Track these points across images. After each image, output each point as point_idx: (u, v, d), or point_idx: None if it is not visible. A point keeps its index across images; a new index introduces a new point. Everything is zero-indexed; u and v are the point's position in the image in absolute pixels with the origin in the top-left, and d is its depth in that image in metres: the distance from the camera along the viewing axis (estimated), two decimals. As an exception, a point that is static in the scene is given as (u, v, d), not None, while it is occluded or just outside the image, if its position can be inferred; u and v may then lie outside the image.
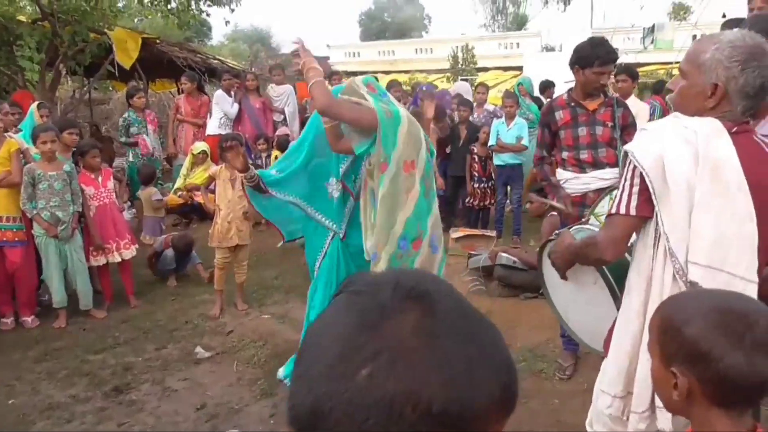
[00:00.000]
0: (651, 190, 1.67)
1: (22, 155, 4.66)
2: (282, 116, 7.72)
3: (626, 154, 1.75)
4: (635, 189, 1.71)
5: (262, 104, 7.65)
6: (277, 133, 7.31)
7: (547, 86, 8.83)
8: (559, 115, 3.57)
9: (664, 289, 1.69)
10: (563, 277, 2.13)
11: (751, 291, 1.63)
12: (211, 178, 5.00)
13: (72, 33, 7.33)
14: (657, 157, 1.66)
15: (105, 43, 7.80)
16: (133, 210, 6.50)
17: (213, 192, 5.09)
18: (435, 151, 3.07)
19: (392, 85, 7.90)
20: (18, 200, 4.57)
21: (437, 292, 0.60)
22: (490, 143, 6.58)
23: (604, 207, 3.03)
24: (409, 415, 0.53)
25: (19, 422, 3.34)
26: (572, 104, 3.55)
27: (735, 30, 1.81)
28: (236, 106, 7.43)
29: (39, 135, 4.57)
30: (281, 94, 7.79)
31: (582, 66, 3.43)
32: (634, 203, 1.71)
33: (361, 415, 0.53)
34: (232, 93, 7.51)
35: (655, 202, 1.67)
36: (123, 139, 7.04)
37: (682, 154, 1.65)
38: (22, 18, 7.69)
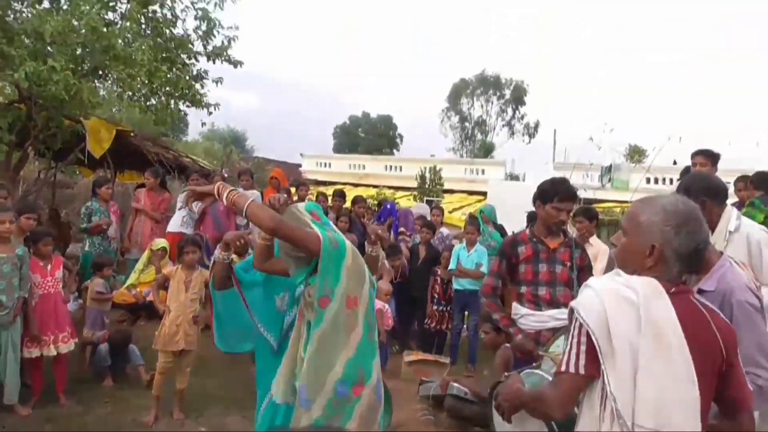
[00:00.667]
0: (597, 349, 1.68)
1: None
2: (245, 220, 7.73)
3: (572, 310, 1.78)
4: (582, 348, 1.72)
5: (227, 207, 7.64)
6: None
7: (532, 219, 8.88)
8: (522, 249, 3.68)
9: None
10: (507, 420, 2.11)
11: None
12: (165, 278, 4.90)
13: (47, 118, 7.41)
14: (600, 315, 1.69)
15: (78, 130, 7.88)
16: (80, 300, 6.26)
17: (166, 289, 4.97)
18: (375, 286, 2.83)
19: (356, 201, 8.11)
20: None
21: None
22: (450, 267, 6.70)
23: (558, 347, 3.07)
24: None
25: None
26: (534, 239, 3.67)
27: (670, 194, 1.93)
28: (200, 205, 7.43)
29: None
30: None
31: (543, 201, 3.60)
32: (582, 362, 1.72)
33: None
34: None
35: (601, 361, 1.68)
36: (83, 226, 6.92)
37: (625, 314, 1.69)
38: (-1, 99, 7.78)
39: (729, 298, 2.39)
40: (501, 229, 7.91)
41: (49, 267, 4.86)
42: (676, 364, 1.66)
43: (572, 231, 4.93)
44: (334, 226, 2.77)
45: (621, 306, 1.70)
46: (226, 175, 8.52)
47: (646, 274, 1.78)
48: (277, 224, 2.47)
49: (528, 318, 3.62)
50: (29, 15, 7.24)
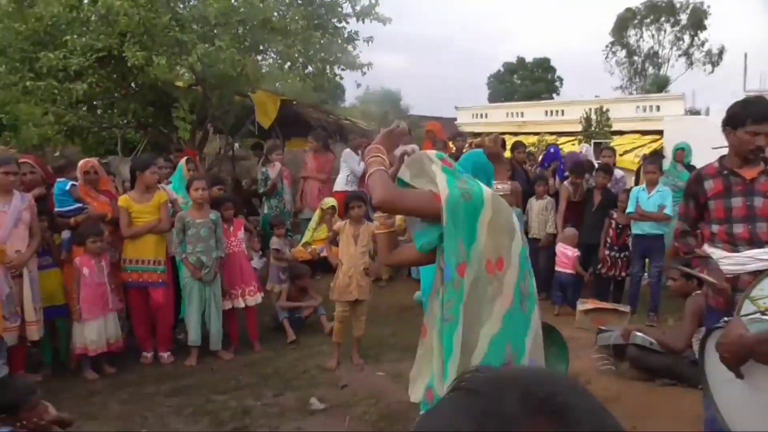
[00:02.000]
0: None
1: (170, 205, 5.14)
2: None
3: None
4: None
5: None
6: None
7: None
8: (709, 184, 3.23)
9: None
10: (738, 375, 1.83)
11: None
12: (335, 233, 5.16)
13: (219, 96, 8.10)
14: None
15: (247, 105, 8.52)
16: (264, 259, 6.85)
17: (337, 245, 5.24)
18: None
19: (515, 147, 7.81)
20: (163, 245, 5.03)
21: (577, 409, 0.48)
22: (628, 210, 6.20)
23: (764, 290, 2.66)
24: None
25: (146, 453, 3.54)
26: (725, 172, 3.18)
27: None
28: (363, 164, 7.67)
29: (193, 183, 5.05)
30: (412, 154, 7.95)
31: (733, 126, 3.09)
32: None
33: None
34: (359, 152, 7.80)
35: None
36: (261, 190, 7.57)
37: None
38: (179, 84, 8.63)
39: None
40: (692, 170, 7.16)
41: (231, 229, 5.38)
42: None
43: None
44: (471, 176, 2.27)
45: None
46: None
47: None
48: (385, 198, 2.14)
49: (723, 261, 3.18)
50: (195, 1, 7.88)
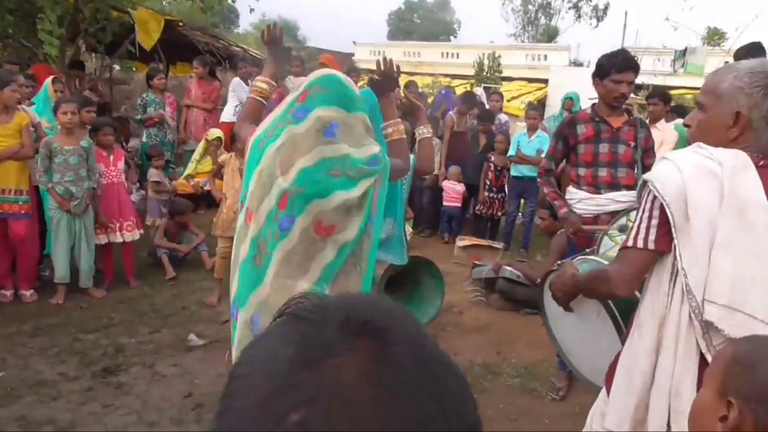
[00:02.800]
0: (671, 224, 1.58)
1: (33, 129, 4.67)
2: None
3: (645, 183, 1.67)
4: (654, 222, 1.62)
5: (279, 95, 7.58)
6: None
7: None
8: (581, 129, 3.46)
9: (680, 328, 1.60)
10: (567, 309, 2.05)
11: None
12: (220, 166, 4.97)
13: (94, 10, 7.34)
14: (679, 188, 1.57)
15: (127, 23, 7.82)
16: (142, 192, 6.50)
17: (222, 179, 5.06)
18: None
19: (408, 86, 7.85)
20: (25, 173, 4.59)
21: (396, 332, 0.49)
22: (509, 153, 6.51)
23: (615, 229, 2.95)
24: None
25: (6, 396, 3.33)
26: (596, 119, 3.42)
27: (752, 59, 1.73)
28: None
29: (60, 106, 4.58)
30: (299, 86, 7.75)
31: (601, 76, 3.32)
32: (652, 237, 1.62)
33: None
34: (249, 82, 7.49)
35: (674, 236, 1.58)
36: (138, 117, 7.06)
37: (706, 187, 1.56)
38: (44, -9, 7.73)
39: None
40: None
41: (111, 158, 5.01)
42: (759, 240, 1.53)
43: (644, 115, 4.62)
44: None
45: (702, 178, 1.56)
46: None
47: (730, 147, 1.62)
48: (235, 125, 2.26)
49: (586, 202, 3.47)
50: None
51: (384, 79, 2.33)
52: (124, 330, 4.24)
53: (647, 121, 4.35)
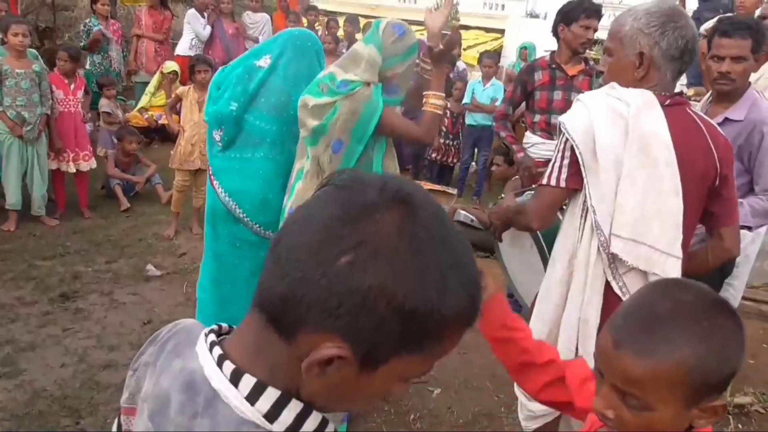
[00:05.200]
0: (580, 163, 1.67)
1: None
2: (255, 45, 7.52)
3: (560, 124, 1.75)
4: (565, 161, 1.72)
5: (236, 30, 7.43)
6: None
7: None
8: (538, 75, 3.59)
9: (590, 260, 1.71)
10: (498, 238, 2.18)
11: (672, 265, 1.66)
12: (178, 98, 4.90)
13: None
14: (587, 129, 1.66)
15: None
16: (90, 122, 6.30)
17: (178, 113, 4.99)
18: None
19: (366, 28, 7.80)
20: (-25, 95, 4.40)
21: (420, 199, 0.61)
22: (464, 101, 6.60)
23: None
24: (382, 308, 0.56)
25: (-40, 318, 3.33)
26: (553, 66, 3.55)
27: (647, 3, 1.79)
28: (209, 28, 7.19)
29: (10, 26, 4.38)
30: (257, 22, 7.59)
31: (567, 22, 3.43)
32: (564, 175, 1.72)
33: (333, 302, 0.56)
34: (205, 15, 7.25)
35: (584, 175, 1.68)
36: (82, 44, 6.75)
37: (613, 126, 1.65)
38: None
39: (760, 127, 2.39)
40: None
41: (72, 87, 4.88)
42: (661, 176, 1.64)
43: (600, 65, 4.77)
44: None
45: (609, 118, 1.66)
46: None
47: (639, 87, 1.71)
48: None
49: (539, 147, 3.63)
50: None
51: (444, 53, 2.33)
52: (80, 259, 4.23)
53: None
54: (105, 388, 2.86)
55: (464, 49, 12.96)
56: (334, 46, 7.02)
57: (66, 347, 3.18)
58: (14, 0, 7.03)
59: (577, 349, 1.77)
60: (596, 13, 3.42)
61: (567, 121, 1.71)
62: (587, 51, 3.67)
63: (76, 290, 3.78)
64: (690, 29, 1.70)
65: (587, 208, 1.70)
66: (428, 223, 0.59)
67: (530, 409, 1.90)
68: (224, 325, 0.72)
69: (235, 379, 0.61)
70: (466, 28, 18.07)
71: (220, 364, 0.63)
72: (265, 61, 2.46)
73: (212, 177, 2.59)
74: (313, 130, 2.23)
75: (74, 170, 4.90)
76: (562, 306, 1.79)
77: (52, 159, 4.78)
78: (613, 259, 1.68)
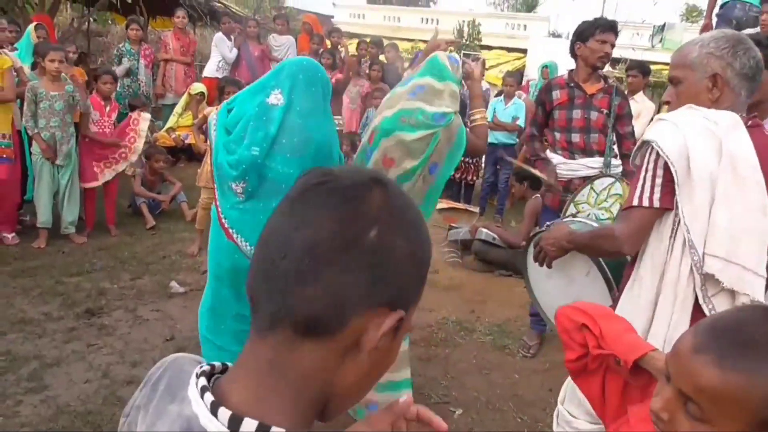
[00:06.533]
0: (675, 181, 1.64)
1: (15, 74, 4.63)
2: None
3: (644, 144, 1.73)
4: (658, 180, 1.67)
5: (261, 52, 7.58)
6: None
7: None
8: (556, 94, 3.57)
9: (680, 280, 1.68)
10: (548, 265, 2.11)
11: (760, 286, 1.64)
12: (204, 118, 4.99)
13: (75, -43, 7.18)
14: (681, 147, 1.64)
15: (109, -29, 7.64)
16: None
17: (204, 133, 5.09)
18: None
19: (389, 48, 7.89)
20: (8, 117, 4.57)
21: (382, 176, 0.68)
22: (486, 122, 6.60)
23: (584, 196, 3.09)
24: (408, 265, 0.64)
25: (-10, 332, 3.40)
26: (571, 85, 3.52)
27: (710, 32, 1.84)
28: (235, 51, 7.35)
29: (48, 53, 4.56)
30: (282, 45, 7.72)
31: (584, 39, 3.41)
32: (657, 195, 1.68)
33: (376, 276, 0.61)
34: (232, 38, 7.42)
35: (677, 193, 1.65)
36: (114, 68, 6.95)
37: (706, 145, 1.64)
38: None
39: None
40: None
41: (107, 108, 5.04)
42: (749, 194, 1.63)
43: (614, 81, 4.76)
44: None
45: (702, 136, 1.64)
46: (260, 21, 8.26)
47: (714, 108, 1.70)
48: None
49: (561, 167, 3.59)
50: None
51: (480, 78, 2.77)
52: (106, 275, 4.31)
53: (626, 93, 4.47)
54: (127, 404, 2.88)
55: (487, 69, 13.01)
56: (359, 68, 7.12)
57: (90, 363, 3.22)
58: (52, 28, 7.26)
59: None
60: (612, 27, 3.41)
61: (658, 139, 1.68)
62: (611, 69, 3.66)
63: (101, 306, 3.84)
64: (756, 51, 1.73)
65: (677, 226, 1.67)
66: (399, 192, 0.67)
67: (575, 427, 1.87)
68: (217, 363, 0.69)
69: (234, 425, 0.59)
70: (489, 48, 18.18)
71: (214, 411, 0.60)
72: (276, 98, 2.25)
73: (231, 230, 2.32)
74: (411, 170, 2.40)
75: (110, 177, 5.05)
76: (647, 331, 1.74)
77: (86, 180, 4.93)
78: (705, 280, 1.65)
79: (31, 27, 5.32)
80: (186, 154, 6.86)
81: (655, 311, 1.73)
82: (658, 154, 1.67)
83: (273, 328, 0.61)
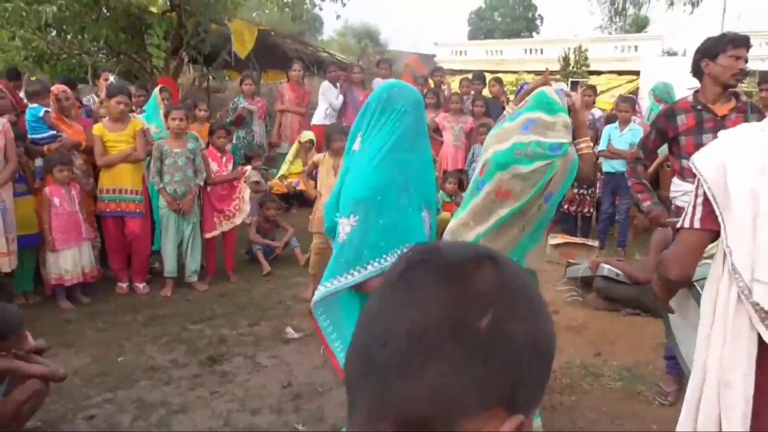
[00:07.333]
0: (712, 200, 1.55)
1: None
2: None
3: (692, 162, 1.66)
4: (699, 200, 1.61)
5: (366, 96, 7.72)
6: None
7: None
8: (682, 119, 3.26)
9: (728, 310, 1.52)
10: (664, 309, 1.98)
11: None
12: (315, 165, 5.13)
13: (195, 24, 7.83)
14: (719, 166, 1.55)
15: (224, 34, 8.26)
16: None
17: (314, 179, 5.22)
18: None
19: (492, 82, 7.79)
20: (139, 175, 4.97)
21: (492, 251, 0.60)
22: (600, 148, 6.27)
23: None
24: (529, 358, 0.54)
25: (125, 379, 3.61)
26: (698, 108, 3.21)
27: None
28: (341, 98, 7.58)
29: (171, 112, 4.94)
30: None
31: (712, 56, 3.09)
32: (698, 215, 1.60)
33: (491, 373, 0.52)
34: (338, 85, 7.67)
35: (718, 213, 1.54)
36: (228, 120, 7.42)
37: (749, 160, 1.51)
38: (153, 9, 8.29)
39: None
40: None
41: (224, 159, 5.37)
42: None
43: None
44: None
45: (746, 152, 1.52)
46: (364, 67, 8.51)
47: None
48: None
49: (691, 195, 3.28)
50: None
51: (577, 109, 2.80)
52: (225, 322, 4.47)
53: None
54: (246, 453, 2.91)
55: (597, 95, 12.52)
56: (461, 105, 7.08)
57: (213, 410, 3.30)
58: (176, 89, 7.92)
59: (720, 421, 1.50)
60: (745, 41, 3.07)
61: (697, 158, 1.64)
62: (739, 84, 3.31)
63: (222, 353, 3.96)
64: None
65: (726, 251, 1.54)
66: (515, 270, 0.59)
67: None
68: None
69: None
70: (598, 73, 17.53)
71: None
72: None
73: None
74: (527, 201, 2.46)
75: (226, 229, 5.28)
76: (703, 372, 1.59)
77: (208, 229, 5.19)
78: (760, 308, 1.46)
79: (156, 90, 5.80)
80: (298, 200, 7.10)
81: (709, 349, 1.56)
82: (696, 172, 1.60)
83: (371, 429, 0.53)
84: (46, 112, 4.74)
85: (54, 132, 4.74)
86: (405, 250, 0.62)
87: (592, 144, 2.74)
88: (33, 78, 6.93)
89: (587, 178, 2.73)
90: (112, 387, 3.50)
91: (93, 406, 3.30)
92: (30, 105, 4.81)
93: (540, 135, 2.45)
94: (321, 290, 2.55)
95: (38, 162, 4.77)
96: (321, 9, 9.68)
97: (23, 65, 7.91)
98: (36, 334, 3.50)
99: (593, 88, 8.24)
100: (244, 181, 5.46)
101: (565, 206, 6.57)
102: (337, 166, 4.83)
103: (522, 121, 2.53)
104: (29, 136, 4.69)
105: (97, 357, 3.87)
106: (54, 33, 8.19)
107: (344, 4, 8.88)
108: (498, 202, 2.51)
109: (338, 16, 10.69)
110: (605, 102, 13.56)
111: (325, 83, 7.70)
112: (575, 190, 6.47)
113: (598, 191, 6.68)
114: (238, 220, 5.33)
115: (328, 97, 7.53)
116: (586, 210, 6.58)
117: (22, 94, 5.25)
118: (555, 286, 5.07)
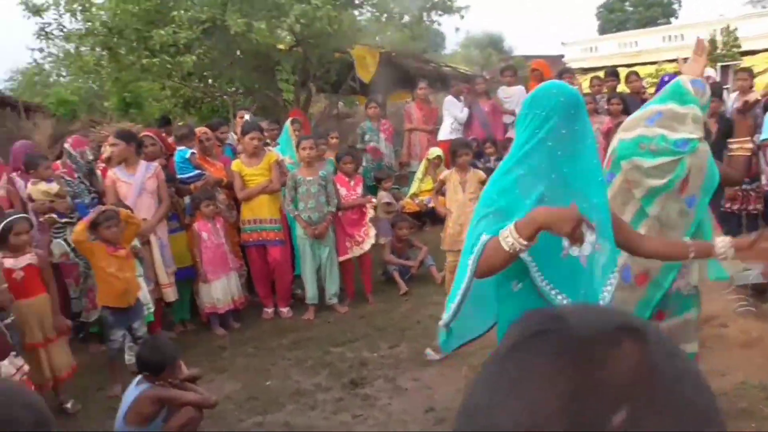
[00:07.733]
0: None
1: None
2: (513, 118, 7.55)
3: None
4: None
5: (492, 107, 7.58)
6: (507, 135, 7.18)
7: None
8: None
9: None
10: None
11: None
12: (442, 182, 5.06)
13: (319, 55, 8.18)
14: None
15: (347, 61, 8.53)
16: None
17: (443, 195, 5.15)
18: None
19: (629, 77, 7.23)
20: (276, 204, 5.20)
21: (641, 323, 0.48)
22: (762, 137, 5.54)
23: None
24: None
25: (272, 403, 3.74)
26: None
27: None
28: (466, 110, 7.47)
29: (301, 142, 5.16)
30: (512, 95, 7.64)
31: None
32: None
33: None
34: (461, 98, 7.57)
35: None
36: (358, 146, 7.58)
37: None
38: (281, 46, 8.80)
39: None
40: None
41: (352, 182, 5.49)
42: None
43: None
44: None
45: None
46: (487, 77, 8.35)
47: None
48: None
49: None
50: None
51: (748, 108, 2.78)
52: (366, 344, 4.50)
53: None
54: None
55: (755, 77, 11.20)
56: (594, 105, 6.66)
57: (357, 434, 3.31)
58: (306, 120, 8.30)
59: None
60: None
61: None
62: None
63: (363, 376, 3.98)
64: None
65: None
66: (667, 350, 0.47)
67: None
68: None
69: None
70: (752, 53, 15.74)
71: None
72: None
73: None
74: (650, 190, 2.39)
75: (359, 253, 5.35)
76: None
77: (341, 253, 5.30)
78: None
79: (288, 122, 6.08)
80: (430, 218, 7.05)
81: None
82: None
83: None
84: (192, 153, 5.15)
85: (199, 171, 5.13)
86: (522, 317, 0.49)
87: (749, 145, 2.59)
88: (180, 123, 7.63)
89: (736, 181, 2.62)
90: (261, 411, 3.64)
91: (244, 431, 3.44)
92: (178, 148, 5.25)
93: (667, 128, 2.38)
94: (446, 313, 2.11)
95: (186, 200, 5.17)
96: (440, 24, 9.69)
97: (174, 112, 8.76)
98: (194, 360, 3.76)
99: (748, 70, 7.35)
100: (374, 207, 5.51)
101: (727, 205, 5.87)
102: (464, 181, 4.72)
103: (650, 111, 2.48)
104: (177, 176, 5.11)
105: (247, 382, 4.05)
106: (196, 80, 8.98)
107: (462, 17, 8.81)
108: (628, 192, 2.52)
109: (457, 29, 10.75)
110: (765, 85, 12.11)
111: (449, 98, 7.66)
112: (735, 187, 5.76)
113: (764, 184, 5.89)
114: (366, 246, 5.37)
115: (452, 111, 7.45)
116: (751, 207, 5.83)
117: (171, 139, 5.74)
118: (722, 296, 4.51)
